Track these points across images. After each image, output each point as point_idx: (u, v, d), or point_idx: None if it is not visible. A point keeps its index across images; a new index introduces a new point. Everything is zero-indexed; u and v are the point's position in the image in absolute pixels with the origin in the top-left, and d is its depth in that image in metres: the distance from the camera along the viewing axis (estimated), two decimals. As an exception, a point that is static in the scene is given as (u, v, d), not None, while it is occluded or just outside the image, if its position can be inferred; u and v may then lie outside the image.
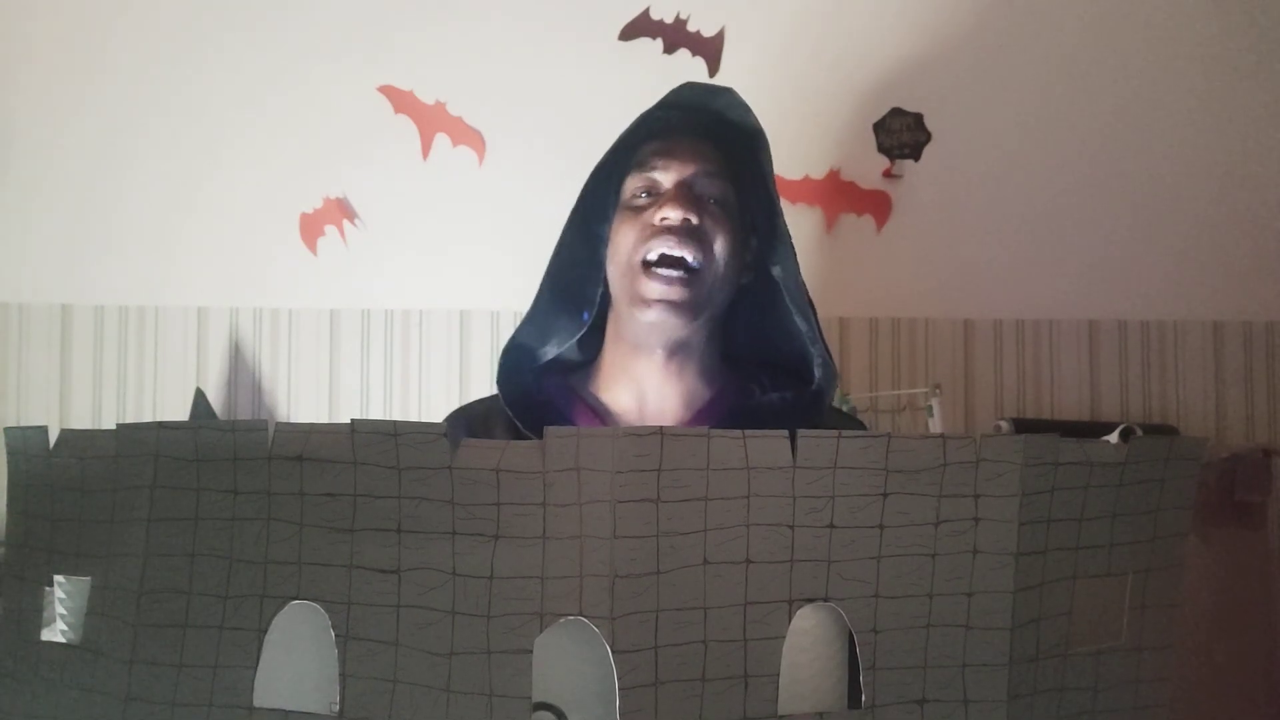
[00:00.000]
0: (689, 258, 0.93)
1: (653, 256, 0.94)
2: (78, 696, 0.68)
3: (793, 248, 0.99)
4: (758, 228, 1.01)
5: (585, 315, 1.02)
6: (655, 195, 0.97)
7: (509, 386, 0.99)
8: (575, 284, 1.01)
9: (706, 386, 1.00)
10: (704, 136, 0.99)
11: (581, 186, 1.00)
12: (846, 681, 0.84)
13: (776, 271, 1.01)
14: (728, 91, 0.99)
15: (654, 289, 0.93)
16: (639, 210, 0.96)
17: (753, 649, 0.65)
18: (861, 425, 1.05)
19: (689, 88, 0.99)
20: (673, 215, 0.93)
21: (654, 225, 0.94)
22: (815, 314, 1.00)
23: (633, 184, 0.98)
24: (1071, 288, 1.89)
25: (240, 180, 1.96)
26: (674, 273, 0.93)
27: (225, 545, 0.66)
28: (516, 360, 1.01)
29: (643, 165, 0.98)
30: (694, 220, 0.93)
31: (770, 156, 0.99)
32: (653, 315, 0.94)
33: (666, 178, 0.96)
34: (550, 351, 1.03)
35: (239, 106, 1.96)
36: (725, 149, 0.99)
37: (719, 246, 0.95)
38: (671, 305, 0.93)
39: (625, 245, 0.96)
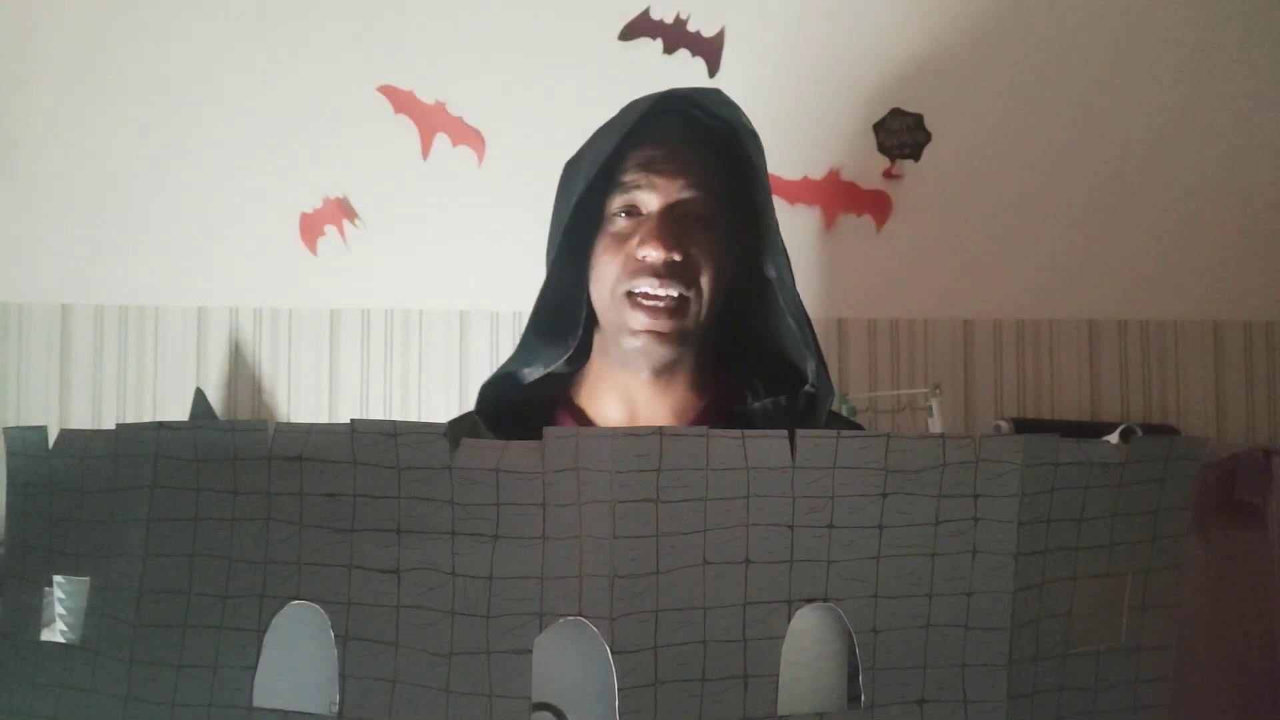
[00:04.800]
0: (673, 294, 0.90)
1: (636, 291, 0.91)
2: (77, 696, 0.68)
3: (785, 251, 0.95)
4: (748, 225, 0.98)
5: (570, 340, 0.99)
6: (636, 217, 0.92)
7: (489, 405, 0.97)
8: (560, 310, 0.97)
9: (698, 396, 0.98)
10: (691, 139, 0.94)
11: (556, 192, 0.96)
12: (846, 681, 0.84)
13: (770, 272, 0.97)
14: (715, 90, 0.95)
15: (640, 320, 0.90)
16: (621, 237, 0.92)
17: (752, 649, 0.65)
18: (859, 427, 1.04)
19: (672, 93, 0.94)
20: (654, 255, 0.89)
21: (636, 260, 0.90)
22: (810, 324, 0.96)
23: (615, 202, 0.93)
24: (1071, 288, 1.89)
25: (240, 180, 1.96)
26: (660, 303, 0.90)
27: (225, 545, 0.66)
28: (499, 385, 0.99)
29: (625, 184, 0.93)
30: (677, 258, 0.89)
31: (764, 156, 0.95)
32: (639, 344, 0.91)
33: (650, 199, 0.92)
34: (535, 373, 1.00)
35: (239, 107, 1.96)
36: (715, 149, 0.95)
37: (706, 273, 0.91)
38: (659, 335, 0.90)
39: (609, 275, 0.92)
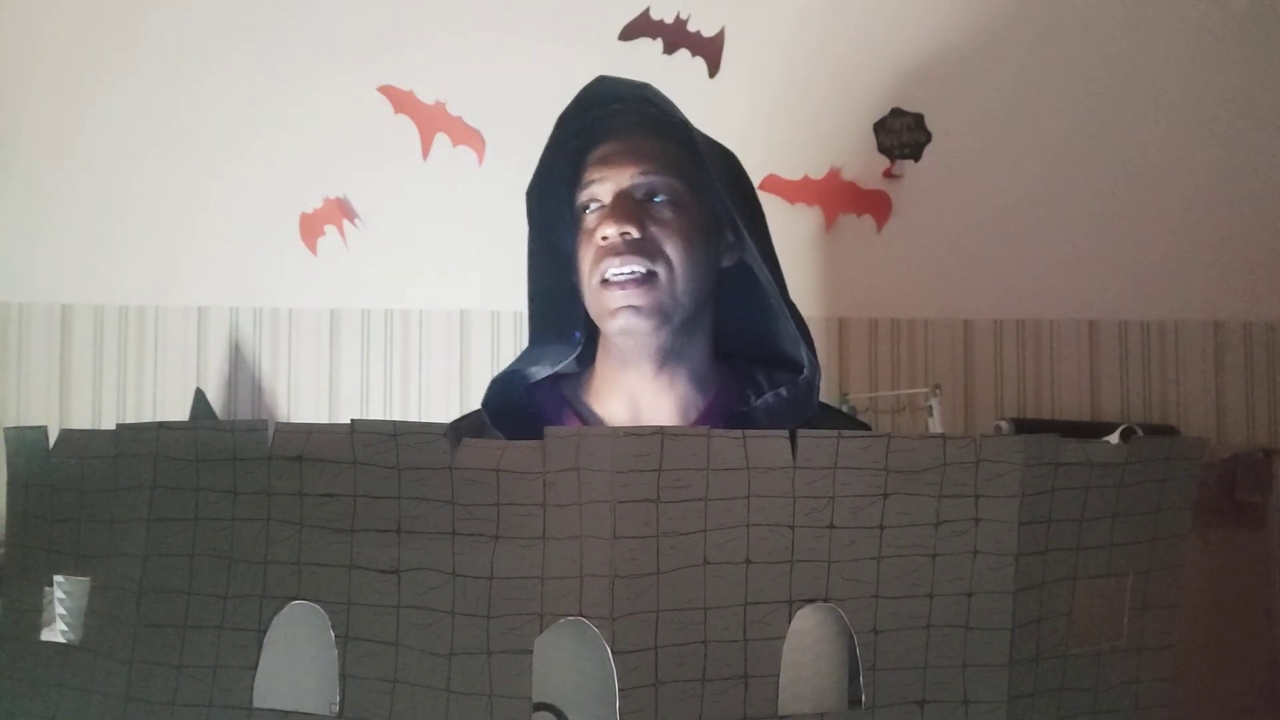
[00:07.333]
0: (638, 270, 0.92)
1: (607, 276, 0.93)
2: (78, 696, 0.68)
3: (764, 236, 0.97)
4: (724, 216, 0.99)
5: (576, 335, 1.01)
6: (601, 210, 0.95)
7: (496, 402, 0.98)
8: (558, 308, 1.00)
9: (700, 394, 0.98)
10: (642, 128, 0.97)
11: (525, 206, 0.98)
12: (846, 682, 0.84)
13: (747, 258, 0.99)
14: (646, 85, 0.97)
15: (614, 298, 0.92)
16: (590, 231, 0.95)
17: (753, 649, 0.65)
18: (866, 426, 1.03)
19: (603, 81, 0.96)
20: (610, 232, 0.92)
21: (600, 245, 0.93)
22: (797, 310, 0.97)
23: (581, 198, 0.97)
24: (1071, 288, 1.89)
25: (241, 180, 1.96)
26: (628, 276, 0.92)
27: (225, 545, 0.66)
28: (506, 382, 1.00)
29: (585, 181, 0.96)
30: (633, 233, 0.92)
31: (704, 143, 0.96)
32: (620, 322, 0.92)
33: (604, 190, 0.95)
34: (543, 372, 1.02)
35: (239, 107, 1.96)
36: (666, 139, 0.97)
37: (673, 247, 0.93)
38: (636, 310, 0.92)
39: (585, 268, 0.95)
